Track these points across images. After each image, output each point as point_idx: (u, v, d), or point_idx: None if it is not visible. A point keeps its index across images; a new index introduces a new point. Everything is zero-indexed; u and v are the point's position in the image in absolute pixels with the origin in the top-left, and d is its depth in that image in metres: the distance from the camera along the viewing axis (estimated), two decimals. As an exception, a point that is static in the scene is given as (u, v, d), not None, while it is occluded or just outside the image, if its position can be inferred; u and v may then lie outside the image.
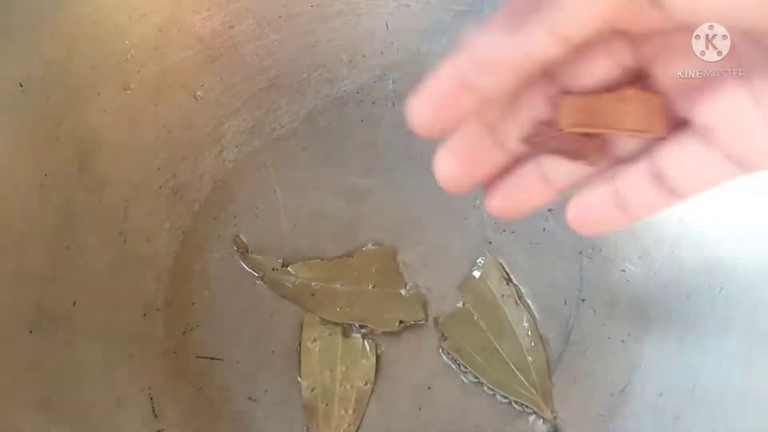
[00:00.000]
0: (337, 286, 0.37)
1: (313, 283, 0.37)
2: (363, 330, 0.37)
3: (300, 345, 0.36)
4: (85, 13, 0.35)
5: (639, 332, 0.36)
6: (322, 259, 0.38)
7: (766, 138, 0.18)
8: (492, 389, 0.35)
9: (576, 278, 0.38)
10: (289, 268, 0.37)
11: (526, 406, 0.35)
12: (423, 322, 0.37)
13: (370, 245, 0.38)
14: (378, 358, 0.36)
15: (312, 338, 0.36)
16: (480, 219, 0.39)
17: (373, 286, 0.37)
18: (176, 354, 0.36)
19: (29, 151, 0.33)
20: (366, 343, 0.36)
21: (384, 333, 0.36)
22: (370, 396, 0.35)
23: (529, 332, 0.37)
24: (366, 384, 0.35)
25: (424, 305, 0.37)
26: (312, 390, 0.35)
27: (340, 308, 0.37)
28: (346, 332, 0.36)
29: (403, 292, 0.37)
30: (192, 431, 0.34)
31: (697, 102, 0.19)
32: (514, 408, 0.35)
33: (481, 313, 0.37)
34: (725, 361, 0.33)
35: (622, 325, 0.37)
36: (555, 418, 0.35)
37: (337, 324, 0.36)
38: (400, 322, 0.36)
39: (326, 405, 0.35)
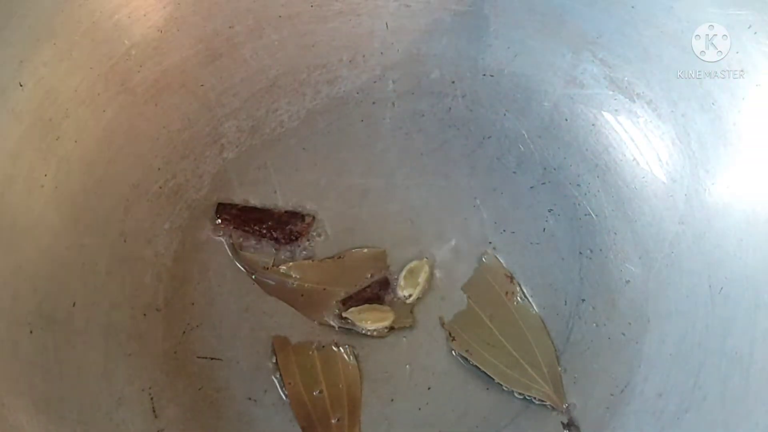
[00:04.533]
0: (327, 287, 0.37)
1: (304, 284, 0.37)
2: (344, 327, 0.36)
3: (279, 372, 0.36)
4: (85, 13, 0.35)
5: (639, 332, 0.36)
6: (313, 260, 0.38)
7: None
8: (504, 386, 0.35)
9: (576, 278, 0.38)
10: (280, 268, 0.37)
11: (540, 400, 0.35)
12: (412, 327, 0.37)
13: (364, 249, 0.38)
14: (357, 358, 0.36)
15: (288, 362, 0.36)
16: (480, 219, 0.39)
17: (363, 289, 0.37)
18: (176, 354, 0.36)
19: (29, 151, 0.33)
20: (341, 350, 0.36)
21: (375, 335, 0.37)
22: (361, 398, 0.35)
23: (536, 326, 0.37)
24: (354, 388, 0.35)
25: (413, 310, 0.37)
26: (304, 411, 0.35)
27: (329, 310, 0.37)
28: (319, 344, 0.36)
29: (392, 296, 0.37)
30: (192, 431, 0.34)
31: None
32: (528, 402, 0.35)
33: (487, 312, 0.37)
34: (725, 361, 0.33)
35: (622, 325, 0.37)
36: (568, 407, 0.35)
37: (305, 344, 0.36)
38: (390, 327, 0.36)
39: (320, 419, 0.35)
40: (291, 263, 0.37)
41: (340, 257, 0.38)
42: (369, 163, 0.40)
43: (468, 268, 0.38)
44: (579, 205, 0.39)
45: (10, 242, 0.32)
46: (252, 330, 0.37)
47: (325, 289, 0.37)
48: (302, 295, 0.37)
